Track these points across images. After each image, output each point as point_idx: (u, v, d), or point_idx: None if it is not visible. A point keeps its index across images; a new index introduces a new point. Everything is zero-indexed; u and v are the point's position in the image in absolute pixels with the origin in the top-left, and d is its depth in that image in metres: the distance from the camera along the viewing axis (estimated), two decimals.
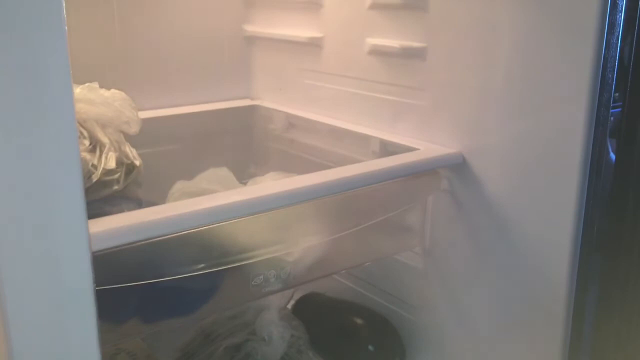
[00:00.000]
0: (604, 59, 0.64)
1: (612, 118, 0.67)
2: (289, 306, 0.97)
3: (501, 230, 0.76)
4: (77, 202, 0.45)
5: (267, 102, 1.09)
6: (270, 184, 0.67)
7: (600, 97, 0.65)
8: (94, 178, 0.57)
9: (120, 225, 0.53)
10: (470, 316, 0.82)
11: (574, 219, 0.68)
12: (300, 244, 0.70)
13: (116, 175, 0.60)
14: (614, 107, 0.67)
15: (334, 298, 0.98)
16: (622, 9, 0.63)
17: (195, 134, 1.02)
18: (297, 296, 0.98)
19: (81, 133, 0.60)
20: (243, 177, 0.86)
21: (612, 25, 0.64)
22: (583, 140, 0.66)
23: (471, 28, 0.74)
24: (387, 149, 0.85)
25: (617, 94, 0.67)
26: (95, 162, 0.58)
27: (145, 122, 0.87)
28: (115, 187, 0.60)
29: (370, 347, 0.88)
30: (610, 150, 0.69)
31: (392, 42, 0.85)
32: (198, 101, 1.06)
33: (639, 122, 0.69)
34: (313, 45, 0.98)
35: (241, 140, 1.09)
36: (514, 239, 0.75)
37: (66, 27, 0.41)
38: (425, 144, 0.81)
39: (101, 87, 0.78)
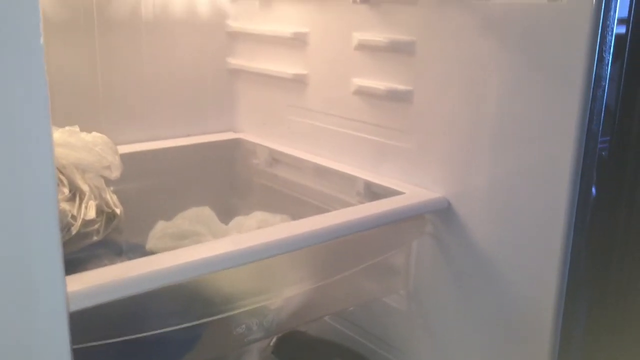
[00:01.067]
0: (590, 109, 0.65)
1: (598, 161, 0.67)
2: (271, 344, 0.95)
3: (485, 274, 0.75)
4: (55, 262, 0.43)
5: (250, 135, 1.08)
6: (255, 233, 0.65)
7: (587, 146, 0.66)
8: (73, 230, 0.55)
9: (99, 283, 0.51)
10: (453, 357, 0.81)
11: (559, 265, 0.68)
12: (283, 293, 0.69)
13: (96, 226, 0.58)
14: (601, 151, 0.67)
15: (316, 337, 0.97)
16: (608, 62, 0.64)
17: (178, 168, 1.00)
18: (279, 334, 0.97)
19: (60, 180, 0.59)
20: (225, 214, 0.85)
21: (599, 77, 0.64)
22: (569, 186, 0.66)
23: (458, 71, 0.74)
24: (372, 190, 0.84)
25: (605, 138, 0.67)
26: (75, 212, 0.57)
27: (127, 156, 0.85)
28: (95, 238, 0.58)
29: None
30: (595, 195, 0.69)
31: (378, 83, 0.85)
32: (181, 134, 1.05)
33: (625, 170, 0.69)
34: (298, 82, 0.97)
35: (224, 174, 1.07)
36: (499, 284, 0.74)
37: (45, 76, 0.40)
38: (410, 187, 0.81)
39: (83, 121, 0.76)
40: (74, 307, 0.48)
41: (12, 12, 0.38)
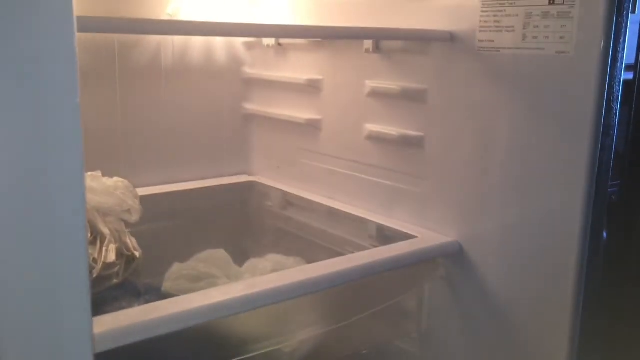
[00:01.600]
0: (599, 158, 0.66)
1: (607, 210, 0.68)
2: None
3: (497, 319, 0.76)
4: (84, 307, 0.45)
5: (264, 178, 1.10)
6: (269, 277, 0.66)
7: (597, 193, 0.67)
8: (94, 273, 0.57)
9: (122, 326, 0.52)
10: None
11: (571, 310, 0.69)
12: (297, 336, 0.69)
13: (116, 269, 0.60)
14: (611, 195, 0.68)
15: None
16: (616, 112, 0.65)
17: (194, 210, 1.02)
18: None
19: None
20: (240, 256, 0.86)
21: (607, 127, 0.66)
22: (579, 233, 0.67)
23: (469, 118, 0.76)
24: (384, 233, 0.86)
25: (615, 182, 0.68)
26: (96, 255, 0.58)
27: (145, 198, 0.87)
28: (115, 281, 0.59)
29: None
30: (605, 238, 0.69)
31: (390, 129, 0.87)
32: (197, 177, 1.07)
33: (636, 213, 0.70)
34: (311, 127, 0.99)
35: (239, 217, 1.09)
36: (510, 330, 0.74)
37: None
38: (422, 231, 0.82)
39: (104, 164, 0.78)
40: (100, 348, 0.49)
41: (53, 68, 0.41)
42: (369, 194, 0.91)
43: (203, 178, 1.07)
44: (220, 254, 0.84)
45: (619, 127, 0.67)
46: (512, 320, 0.74)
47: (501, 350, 0.76)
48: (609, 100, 0.64)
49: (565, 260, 0.68)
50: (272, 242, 1.03)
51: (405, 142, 0.85)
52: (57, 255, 0.42)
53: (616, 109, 0.65)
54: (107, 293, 0.65)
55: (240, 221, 1.09)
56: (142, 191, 0.96)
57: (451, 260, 0.80)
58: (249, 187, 1.09)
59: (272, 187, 1.06)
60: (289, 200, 1.03)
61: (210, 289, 0.62)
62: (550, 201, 0.69)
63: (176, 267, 0.82)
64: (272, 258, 0.84)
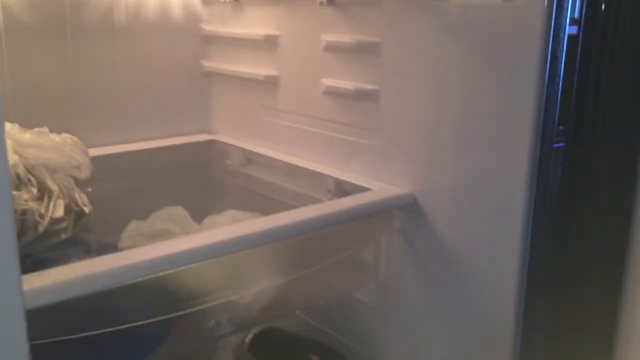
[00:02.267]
0: (545, 104, 0.67)
1: (555, 154, 0.70)
2: (246, 340, 0.96)
3: (451, 267, 0.77)
4: (10, 259, 0.44)
5: (224, 137, 1.10)
6: (223, 230, 0.67)
7: (543, 137, 0.68)
8: (41, 228, 0.56)
9: (59, 281, 0.52)
10: (422, 350, 0.83)
11: (519, 255, 0.71)
12: (253, 288, 0.70)
13: (64, 224, 0.59)
14: (557, 142, 0.70)
15: (290, 334, 0.98)
16: (562, 60, 0.66)
17: (152, 170, 1.02)
18: (254, 331, 0.98)
19: (29, 180, 0.60)
20: (199, 214, 0.86)
21: (553, 74, 0.66)
22: (527, 178, 0.68)
23: (422, 71, 0.77)
24: (342, 187, 0.86)
25: (560, 127, 0.69)
26: (43, 210, 0.58)
27: (100, 158, 0.87)
28: (63, 236, 0.59)
29: None
30: (553, 185, 0.71)
31: (346, 83, 0.87)
32: (155, 136, 1.06)
33: (580, 159, 0.71)
34: (270, 83, 0.99)
35: (198, 176, 1.09)
36: (463, 276, 0.76)
37: None
38: (378, 184, 0.83)
39: (55, 122, 0.77)
40: (33, 304, 0.49)
41: None
42: (327, 149, 0.92)
43: (162, 137, 1.06)
44: (179, 211, 0.84)
45: (564, 78, 0.67)
46: (465, 268, 0.76)
47: (455, 297, 0.78)
48: (554, 48, 0.65)
49: (514, 209, 0.70)
50: (232, 200, 1.04)
51: (360, 96, 0.85)
52: None
53: (561, 57, 0.66)
54: (59, 250, 0.65)
55: (199, 180, 1.08)
56: (99, 151, 0.96)
57: (406, 212, 0.81)
58: (209, 146, 1.09)
59: (232, 145, 1.05)
60: (249, 158, 1.03)
61: (161, 242, 0.62)
62: (500, 152, 0.70)
63: (133, 225, 0.82)
64: (231, 214, 0.84)
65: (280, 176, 0.97)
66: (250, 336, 0.97)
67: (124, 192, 0.96)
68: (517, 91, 0.67)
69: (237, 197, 1.04)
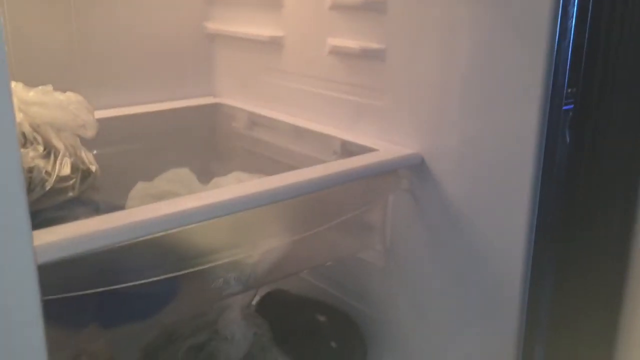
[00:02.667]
0: (555, 63, 0.66)
1: (564, 116, 0.69)
2: (254, 302, 0.97)
3: (459, 227, 0.77)
4: (21, 214, 0.44)
5: (229, 99, 1.09)
6: (229, 188, 0.67)
7: (553, 98, 0.67)
8: (47, 186, 0.56)
9: (69, 236, 0.52)
10: (429, 311, 0.84)
11: (527, 217, 0.70)
12: (260, 247, 0.70)
13: (71, 182, 0.59)
14: (567, 104, 0.69)
15: (297, 295, 0.99)
16: (572, 15, 0.65)
17: (157, 133, 1.01)
18: (261, 293, 0.99)
19: (35, 139, 0.60)
20: (205, 177, 0.86)
21: (564, 31, 0.65)
22: (536, 139, 0.68)
23: (430, 29, 0.75)
24: (348, 149, 0.86)
25: (569, 90, 0.69)
26: (49, 168, 0.58)
27: (105, 121, 0.86)
28: (70, 194, 0.59)
29: (333, 344, 0.89)
30: (562, 148, 0.70)
31: (352, 42, 0.85)
32: (159, 99, 1.05)
33: (589, 121, 0.71)
34: (274, 44, 0.98)
35: (203, 139, 1.08)
36: (471, 236, 0.76)
37: None
38: (385, 145, 0.82)
39: (59, 85, 0.77)
40: (44, 259, 0.49)
41: None
42: (333, 110, 0.91)
43: (166, 100, 1.06)
44: (185, 172, 0.84)
45: (574, 37, 0.66)
46: (473, 229, 0.76)
47: (463, 258, 0.78)
48: (565, 3, 0.64)
49: (522, 171, 0.69)
50: (237, 162, 1.03)
51: (367, 56, 0.84)
52: None
53: (572, 12, 0.65)
54: (68, 211, 0.65)
55: (205, 143, 1.08)
56: (103, 113, 0.95)
57: (413, 172, 0.81)
58: (214, 109, 1.08)
59: (237, 108, 1.05)
60: (254, 121, 1.02)
61: (168, 200, 0.62)
62: (508, 110, 0.69)
63: (139, 186, 0.81)
64: (236, 175, 0.84)
65: (285, 138, 0.96)
66: (257, 298, 0.98)
67: (129, 155, 0.95)
68: (527, 50, 0.66)
69: (243, 160, 1.04)
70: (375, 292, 0.91)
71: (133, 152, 0.96)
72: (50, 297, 0.49)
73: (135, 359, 0.87)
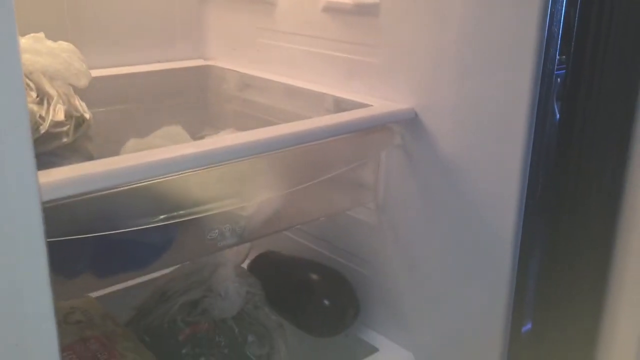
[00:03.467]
0: (549, 24, 0.66)
1: (557, 79, 0.69)
2: (245, 265, 0.97)
3: (452, 184, 0.78)
4: (26, 152, 0.44)
5: (221, 62, 1.08)
6: (224, 137, 0.67)
7: (546, 60, 0.67)
8: (42, 130, 0.56)
9: (70, 176, 0.52)
10: (421, 268, 0.84)
11: (520, 175, 0.71)
12: (254, 198, 0.70)
13: (65, 128, 0.59)
14: (558, 69, 0.69)
15: (289, 255, 1.00)
16: None
17: (147, 94, 1.00)
18: (252, 255, 0.99)
19: (27, 85, 0.59)
20: (197, 138, 0.85)
21: None
22: (529, 100, 0.68)
23: None
24: (341, 106, 0.86)
25: (562, 57, 0.69)
26: (43, 113, 0.57)
27: (95, 80, 0.85)
28: (65, 140, 0.59)
29: (326, 302, 0.90)
30: (554, 110, 0.71)
31: None
32: (149, 60, 1.04)
33: (581, 83, 0.71)
34: (266, 3, 0.97)
35: (195, 101, 1.08)
36: (464, 193, 0.77)
37: None
38: (379, 101, 0.82)
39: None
40: (46, 197, 0.49)
41: None
42: (326, 68, 0.91)
43: (156, 61, 1.05)
44: (177, 129, 0.84)
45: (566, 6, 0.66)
46: (466, 187, 0.76)
47: (455, 217, 0.78)
48: None
49: (515, 131, 0.70)
50: (230, 124, 1.02)
51: (360, 11, 0.84)
52: None
53: None
54: (61, 157, 0.65)
55: (196, 105, 1.07)
56: (92, 73, 0.94)
57: (407, 128, 0.81)
58: (205, 71, 1.07)
59: (229, 70, 1.04)
60: (246, 82, 1.02)
61: (164, 147, 0.62)
62: (503, 71, 0.70)
63: (131, 142, 0.81)
64: (228, 133, 0.84)
65: (278, 98, 0.96)
66: (249, 260, 0.99)
67: (119, 115, 0.95)
68: (521, 9, 0.66)
69: (235, 121, 1.03)
70: (367, 251, 0.92)
71: (123, 112, 0.96)
72: (48, 240, 0.49)
73: (128, 318, 0.87)
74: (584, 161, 0.75)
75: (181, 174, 0.61)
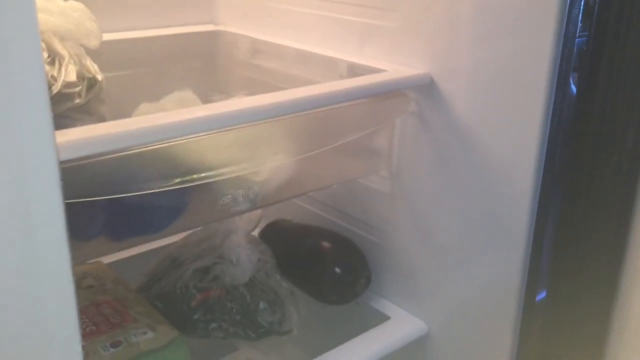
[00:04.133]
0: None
1: (576, 48, 0.68)
2: (256, 233, 0.97)
3: (467, 152, 0.76)
4: (43, 111, 0.43)
5: (231, 27, 1.06)
6: (237, 100, 0.65)
7: (568, 23, 0.66)
8: (54, 90, 0.55)
9: (87, 136, 0.52)
10: (435, 237, 0.84)
11: (538, 142, 0.70)
12: (267, 163, 0.69)
13: (77, 89, 0.58)
14: (579, 37, 0.68)
15: (300, 224, 0.99)
16: None
17: (157, 59, 0.99)
18: (264, 223, 0.99)
19: None
20: (207, 102, 0.84)
21: None
22: (549, 66, 0.66)
23: None
24: (355, 71, 0.84)
25: (584, 23, 0.67)
26: (55, 74, 0.56)
27: (104, 44, 0.83)
28: (77, 101, 0.58)
29: (337, 270, 0.89)
30: (572, 81, 0.70)
31: None
32: (159, 25, 1.02)
33: (602, 53, 0.70)
34: None
35: (205, 67, 1.06)
36: (480, 161, 0.76)
37: None
38: (394, 67, 0.81)
39: None
40: (62, 157, 0.48)
41: None
42: (339, 33, 0.89)
43: (165, 26, 1.03)
44: (188, 94, 0.82)
45: None
46: (482, 155, 0.75)
47: (470, 185, 0.77)
48: None
49: (536, 93, 0.68)
50: (240, 89, 1.01)
51: None
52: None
53: None
54: (74, 121, 0.64)
55: (206, 70, 1.06)
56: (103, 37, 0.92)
57: (422, 94, 0.79)
58: (215, 36, 1.05)
59: (240, 35, 1.02)
60: (257, 48, 1.00)
61: (176, 110, 0.61)
62: (523, 37, 0.68)
63: (143, 107, 0.80)
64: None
65: (290, 64, 0.94)
66: (260, 229, 0.98)
67: (129, 79, 0.93)
68: None
69: (246, 87, 1.02)
70: (380, 219, 0.91)
71: (133, 76, 0.94)
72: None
73: (139, 284, 0.87)
74: (603, 131, 0.74)
75: (195, 137, 0.60)
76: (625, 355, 0.83)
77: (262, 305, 0.83)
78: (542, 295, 0.77)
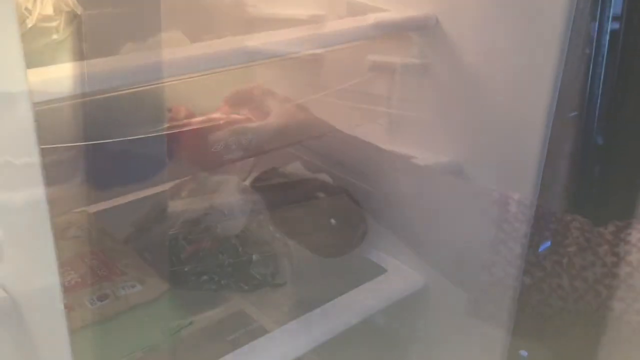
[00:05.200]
0: None
1: None
2: (248, 182, 0.93)
3: (472, 99, 0.73)
4: (13, 45, 0.38)
5: None
6: (229, 40, 0.61)
7: None
8: (29, 23, 0.50)
9: (65, 75, 0.47)
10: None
11: (550, 88, 0.66)
12: (262, 108, 0.65)
13: (54, 23, 0.53)
14: None
15: (294, 173, 0.95)
16: None
17: None
18: (255, 173, 0.95)
19: None
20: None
21: None
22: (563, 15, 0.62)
23: None
24: (355, 9, 0.79)
25: None
26: (30, 6, 0.51)
27: None
28: (55, 37, 0.53)
29: (333, 221, 0.86)
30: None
31: None
32: None
33: None
34: None
35: (192, 5, 1.00)
36: (486, 110, 0.72)
37: None
38: (396, 6, 0.76)
39: None
40: (39, 98, 0.44)
41: None
42: None
43: None
44: (178, 35, 0.78)
45: None
46: (489, 101, 0.72)
47: (474, 132, 0.74)
48: None
49: (549, 32, 0.64)
50: (231, 31, 0.96)
51: None
52: None
53: None
54: (53, 59, 0.59)
55: (196, 10, 1.00)
56: None
57: (426, 37, 0.75)
58: None
59: None
60: None
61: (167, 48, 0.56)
62: None
63: (129, 46, 0.75)
64: None
65: (285, 3, 0.89)
66: (251, 178, 0.94)
67: (109, 20, 0.87)
68: None
69: (238, 29, 0.96)
70: (377, 170, 0.87)
71: (113, 16, 0.88)
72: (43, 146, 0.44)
73: (126, 235, 0.84)
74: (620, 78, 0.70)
75: (185, 78, 0.56)
76: None
77: (254, 257, 0.80)
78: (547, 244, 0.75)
